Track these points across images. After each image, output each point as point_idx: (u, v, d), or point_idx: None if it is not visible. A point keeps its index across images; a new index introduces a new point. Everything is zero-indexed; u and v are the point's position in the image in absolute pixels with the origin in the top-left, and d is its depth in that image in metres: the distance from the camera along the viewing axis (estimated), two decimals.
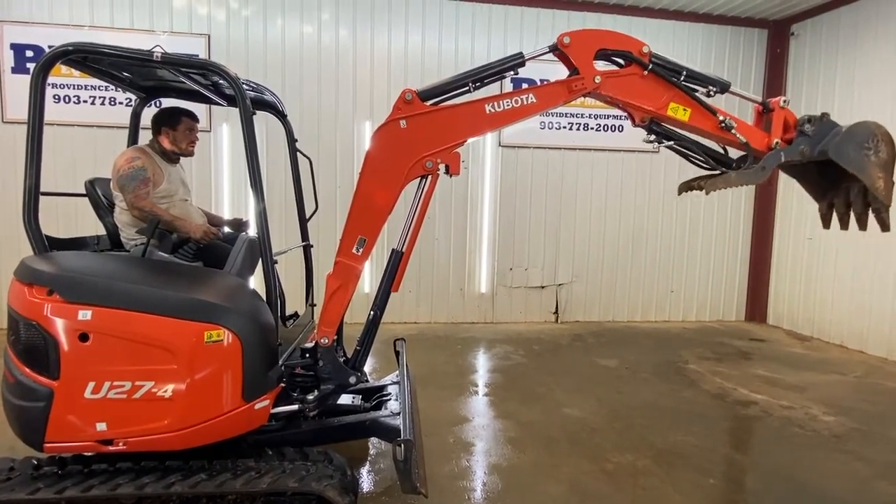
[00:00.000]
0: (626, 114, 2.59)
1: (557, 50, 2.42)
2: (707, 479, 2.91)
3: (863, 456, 3.21)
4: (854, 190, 2.49)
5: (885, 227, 2.50)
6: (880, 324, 5.41)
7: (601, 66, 2.46)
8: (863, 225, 2.55)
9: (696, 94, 2.48)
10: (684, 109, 2.47)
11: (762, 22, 6.65)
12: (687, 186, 2.72)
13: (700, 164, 2.68)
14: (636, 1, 6.23)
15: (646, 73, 2.42)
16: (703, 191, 2.54)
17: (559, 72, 2.49)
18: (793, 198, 6.52)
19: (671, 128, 2.60)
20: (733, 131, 2.45)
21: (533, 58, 2.45)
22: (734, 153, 2.66)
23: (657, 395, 4.15)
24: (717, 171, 2.59)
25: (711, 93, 2.51)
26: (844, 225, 2.63)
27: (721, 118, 2.45)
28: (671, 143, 2.61)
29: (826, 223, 2.70)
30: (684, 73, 2.45)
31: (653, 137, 2.62)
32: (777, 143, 2.48)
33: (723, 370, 4.84)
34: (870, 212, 2.50)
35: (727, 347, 5.70)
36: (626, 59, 2.46)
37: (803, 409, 3.94)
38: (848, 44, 5.79)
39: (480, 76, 2.44)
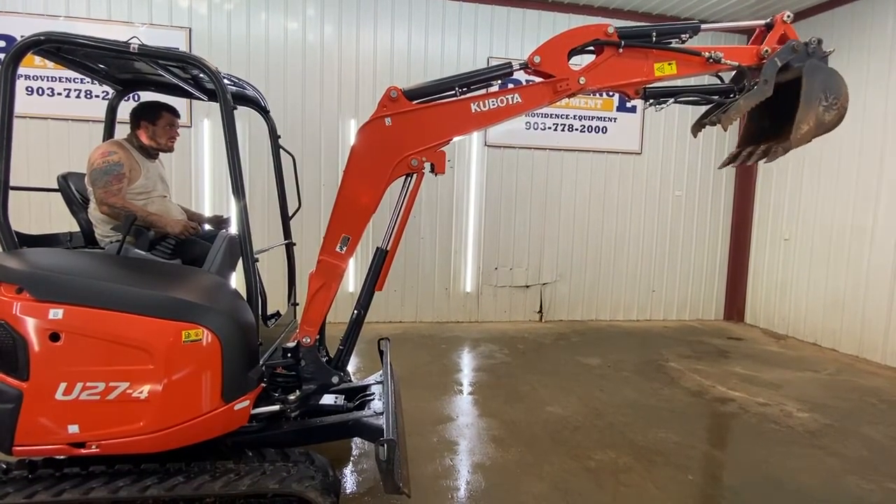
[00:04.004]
0: (619, 94, 2.58)
1: (530, 68, 2.41)
2: (686, 476, 2.96)
3: (835, 451, 3.30)
4: (771, 144, 2.53)
5: (772, 159, 2.54)
6: (852, 323, 5.57)
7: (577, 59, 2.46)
8: (750, 157, 2.62)
9: (673, 44, 2.46)
10: (669, 64, 2.46)
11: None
12: (699, 126, 2.70)
13: (706, 104, 2.69)
14: (637, 5, 6.30)
15: (621, 51, 2.41)
16: (721, 126, 2.47)
17: None
18: (770, 201, 6.68)
19: (665, 86, 2.59)
20: (723, 61, 2.43)
21: (511, 72, 2.44)
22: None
23: (638, 393, 4.21)
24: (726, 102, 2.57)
25: (685, 39, 2.50)
26: (732, 160, 2.71)
27: (706, 55, 2.43)
28: (671, 100, 2.61)
29: (730, 161, 2.74)
30: (654, 33, 2.43)
31: (651, 102, 2.61)
32: (767, 51, 2.44)
33: (702, 368, 4.93)
34: (766, 145, 2.53)
35: (706, 346, 5.80)
36: (597, 46, 2.45)
37: (778, 405, 4.04)
38: (842, 45, 5.69)
39: (467, 82, 2.44)
